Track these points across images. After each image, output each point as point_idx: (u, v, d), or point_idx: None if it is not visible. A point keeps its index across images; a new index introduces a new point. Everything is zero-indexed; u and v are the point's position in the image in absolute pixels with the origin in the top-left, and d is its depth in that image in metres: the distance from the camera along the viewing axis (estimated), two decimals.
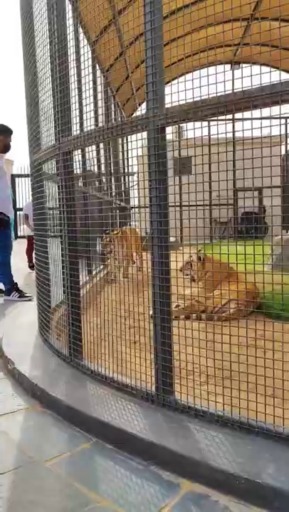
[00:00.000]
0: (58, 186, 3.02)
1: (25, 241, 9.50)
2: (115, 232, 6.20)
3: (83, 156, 3.80)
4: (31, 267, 8.89)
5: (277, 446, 1.84)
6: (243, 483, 1.68)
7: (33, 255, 7.55)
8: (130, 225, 7.63)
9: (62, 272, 3.09)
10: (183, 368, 2.33)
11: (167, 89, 2.14)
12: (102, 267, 5.50)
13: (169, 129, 2.23)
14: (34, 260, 4.64)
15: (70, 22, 2.82)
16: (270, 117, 1.89)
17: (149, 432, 2.05)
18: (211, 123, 2.07)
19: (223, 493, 1.72)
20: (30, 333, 3.90)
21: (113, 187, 7.63)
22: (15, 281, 5.92)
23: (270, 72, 1.76)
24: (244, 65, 1.96)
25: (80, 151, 3.32)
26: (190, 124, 2.14)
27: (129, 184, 9.75)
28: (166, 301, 2.25)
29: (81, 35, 3.22)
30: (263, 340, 2.04)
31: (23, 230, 8.38)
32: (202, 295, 4.49)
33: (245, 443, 1.88)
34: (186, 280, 4.80)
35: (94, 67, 5.20)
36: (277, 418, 1.87)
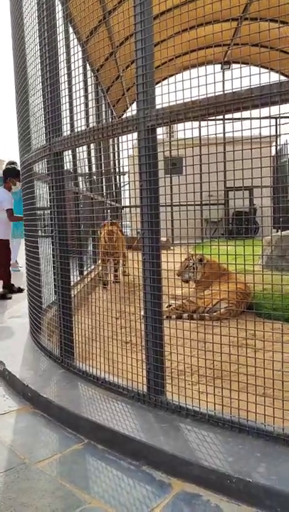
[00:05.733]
0: (49, 186, 3.01)
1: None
2: None
3: (74, 156, 3.79)
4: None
5: (267, 445, 1.85)
6: (234, 483, 1.69)
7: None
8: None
9: (54, 272, 3.08)
10: (174, 367, 2.33)
11: (158, 90, 2.14)
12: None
13: (159, 129, 2.23)
14: (25, 263, 4.08)
15: (60, 22, 2.82)
16: (260, 117, 1.90)
17: (141, 432, 2.05)
18: (202, 123, 2.07)
19: (214, 492, 1.73)
20: (22, 334, 3.88)
21: (104, 187, 7.62)
22: None
23: (260, 73, 1.77)
24: (235, 66, 1.97)
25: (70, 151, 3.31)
26: (181, 124, 2.15)
27: (120, 184, 9.72)
28: (157, 301, 2.26)
29: (71, 36, 3.21)
30: (253, 340, 2.06)
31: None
32: (193, 295, 4.50)
33: (236, 442, 1.89)
34: (178, 280, 4.80)
35: (84, 67, 5.18)
36: (267, 417, 1.89)
